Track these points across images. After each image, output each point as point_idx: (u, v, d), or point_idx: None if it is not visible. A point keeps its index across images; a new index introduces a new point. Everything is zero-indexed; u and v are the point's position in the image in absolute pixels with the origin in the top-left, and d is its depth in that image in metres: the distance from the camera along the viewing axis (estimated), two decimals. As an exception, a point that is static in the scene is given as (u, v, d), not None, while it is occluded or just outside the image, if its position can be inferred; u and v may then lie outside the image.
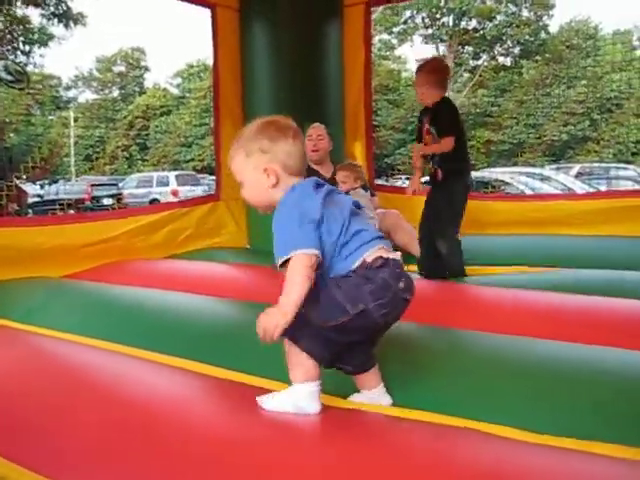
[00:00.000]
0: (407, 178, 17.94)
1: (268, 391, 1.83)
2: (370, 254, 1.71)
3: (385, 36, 35.05)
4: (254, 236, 5.34)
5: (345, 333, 1.71)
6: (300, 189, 1.80)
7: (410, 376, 1.97)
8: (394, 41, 35.75)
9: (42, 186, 24.11)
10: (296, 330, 1.65)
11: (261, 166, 1.85)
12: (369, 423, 1.73)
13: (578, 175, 16.31)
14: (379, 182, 7.25)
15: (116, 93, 44.54)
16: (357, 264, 1.71)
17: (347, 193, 4.37)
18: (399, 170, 21.27)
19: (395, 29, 34.73)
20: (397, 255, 1.77)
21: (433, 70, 3.94)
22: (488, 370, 1.98)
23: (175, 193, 21.53)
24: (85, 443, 1.62)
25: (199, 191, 20.89)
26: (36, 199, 18.85)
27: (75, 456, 1.59)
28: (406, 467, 1.38)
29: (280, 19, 5.11)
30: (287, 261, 1.64)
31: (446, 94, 3.97)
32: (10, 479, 1.53)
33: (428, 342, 2.27)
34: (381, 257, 1.71)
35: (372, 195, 4.76)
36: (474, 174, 13.13)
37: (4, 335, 2.78)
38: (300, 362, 1.71)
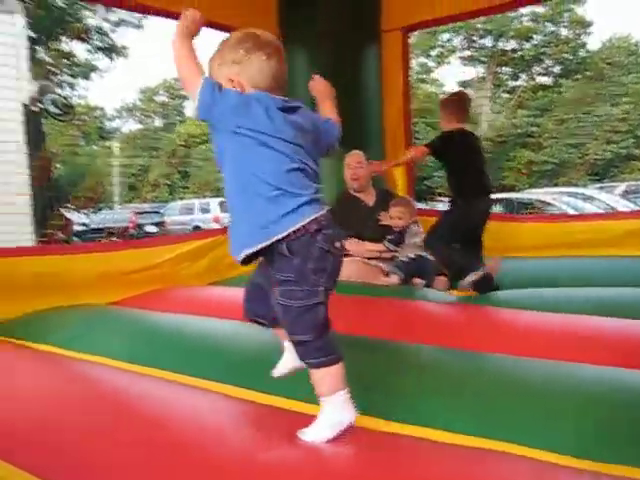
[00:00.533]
0: (449, 201, 17.88)
1: (307, 415, 1.82)
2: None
3: (423, 59, 35.14)
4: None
5: None
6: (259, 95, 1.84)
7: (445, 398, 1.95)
8: (431, 64, 35.81)
9: (87, 215, 24.61)
10: None
11: (230, 77, 1.85)
12: (403, 448, 1.70)
13: (624, 194, 16.02)
14: (419, 205, 7.21)
15: (158, 122, 45.42)
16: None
17: (403, 231, 4.38)
18: (439, 193, 21.16)
19: (432, 52, 34.79)
20: None
21: (443, 105, 4.20)
22: (517, 393, 1.96)
23: (217, 220, 21.73)
24: (127, 468, 1.63)
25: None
26: (82, 228, 19.23)
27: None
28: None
29: (319, 46, 5.18)
30: None
31: (463, 125, 4.09)
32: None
33: (450, 364, 2.25)
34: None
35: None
36: (515, 195, 13.02)
37: (49, 361, 2.82)
38: (320, 377, 1.72)
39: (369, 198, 4.80)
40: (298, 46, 5.31)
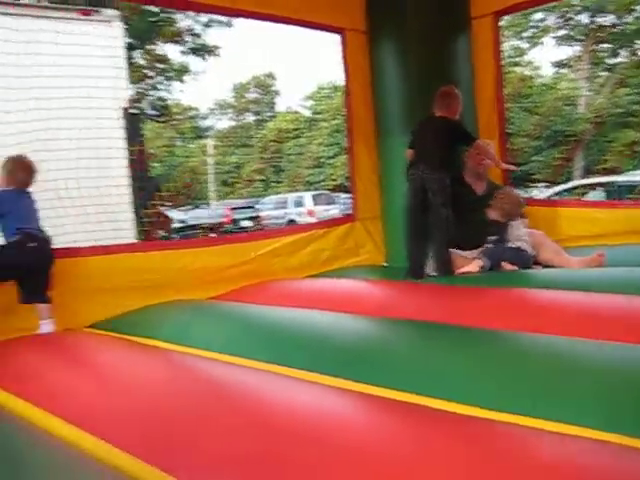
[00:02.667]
0: (545, 187, 17.33)
1: (409, 405, 1.81)
2: None
3: (515, 41, 34.07)
4: (391, 254, 5.34)
5: None
6: None
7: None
8: (525, 46, 34.68)
9: (185, 212, 25.34)
10: None
11: None
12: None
13: None
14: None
15: (250, 119, 46.24)
16: None
17: (503, 228, 4.29)
18: (536, 180, 20.52)
19: (525, 34, 33.68)
20: None
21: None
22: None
23: (311, 213, 21.92)
24: (233, 458, 1.67)
25: (335, 210, 21.14)
26: (180, 224, 19.82)
27: (226, 469, 1.64)
28: None
29: (408, 38, 5.14)
30: None
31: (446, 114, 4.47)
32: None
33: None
34: None
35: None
36: (617, 178, 12.45)
37: (156, 355, 2.92)
38: None
39: (479, 187, 4.74)
40: (387, 41, 5.29)
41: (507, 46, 32.21)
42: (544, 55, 51.96)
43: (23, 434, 2.03)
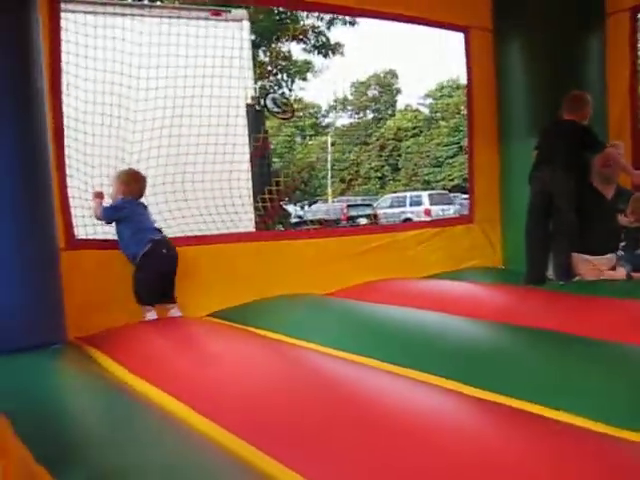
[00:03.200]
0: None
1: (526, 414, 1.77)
2: None
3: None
4: (509, 257, 5.21)
5: None
6: None
7: None
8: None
9: (302, 207, 25.73)
10: None
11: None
12: None
13: None
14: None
15: (370, 116, 46.32)
16: None
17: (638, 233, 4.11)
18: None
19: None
20: None
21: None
22: None
23: (428, 212, 21.73)
24: (349, 452, 1.69)
25: (452, 210, 20.86)
26: (297, 220, 20.14)
27: (325, 456, 1.68)
28: None
29: (536, 36, 4.99)
30: None
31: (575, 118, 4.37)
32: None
33: None
34: None
35: None
36: None
37: (272, 346, 2.99)
38: None
39: (608, 192, 4.56)
40: (513, 39, 5.16)
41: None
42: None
43: (146, 413, 2.13)
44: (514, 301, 3.59)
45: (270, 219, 6.34)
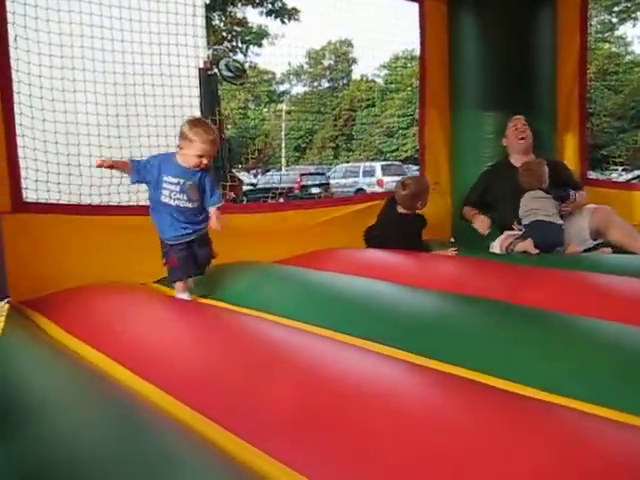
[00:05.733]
0: (623, 170, 16.79)
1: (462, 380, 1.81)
2: None
3: (605, 16, 32.62)
4: (458, 229, 5.27)
5: None
6: None
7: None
8: (614, 20, 33.15)
9: (255, 175, 25.60)
10: None
11: None
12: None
13: None
14: (593, 175, 6.77)
15: (325, 86, 46.07)
16: None
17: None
18: (616, 162, 19.77)
19: (616, 7, 32.20)
20: None
21: None
22: None
23: (381, 183, 21.84)
24: (286, 416, 1.73)
25: (404, 181, 20.98)
26: (249, 187, 20.05)
27: (277, 427, 1.70)
28: None
29: (489, 8, 5.01)
30: None
31: None
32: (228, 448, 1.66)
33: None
34: None
35: (578, 189, 4.49)
36: None
37: (217, 314, 2.98)
38: None
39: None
40: (467, 10, 5.18)
41: (595, 20, 30.96)
42: (636, 31, 49.55)
43: (88, 378, 2.12)
44: (461, 271, 3.63)
45: (224, 189, 6.26)
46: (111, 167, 3.10)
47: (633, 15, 32.18)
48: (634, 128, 28.76)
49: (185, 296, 3.27)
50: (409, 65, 38.26)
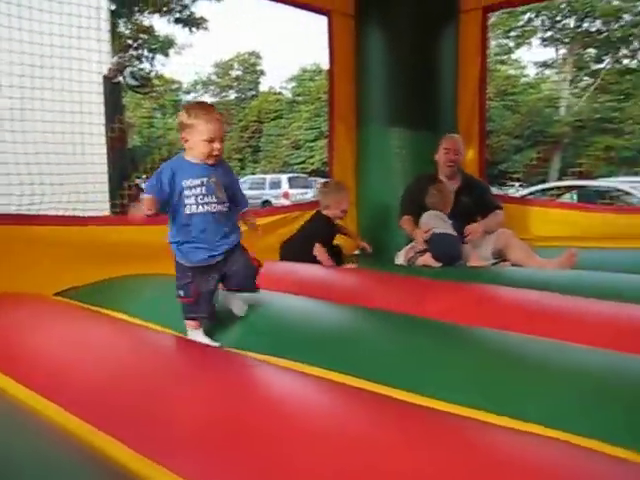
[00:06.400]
0: (520, 185, 17.57)
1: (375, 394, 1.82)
2: None
3: (502, 40, 34.14)
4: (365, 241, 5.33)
5: None
6: None
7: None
8: (511, 44, 34.75)
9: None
10: None
11: None
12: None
13: None
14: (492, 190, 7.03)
15: (233, 97, 45.85)
16: None
17: None
18: (513, 178, 20.68)
19: (512, 32, 33.76)
20: None
21: None
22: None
23: (287, 195, 21.92)
24: (185, 431, 1.71)
25: (310, 194, 21.15)
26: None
27: (178, 441, 1.67)
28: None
29: (395, 25, 5.13)
30: None
31: None
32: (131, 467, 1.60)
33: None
34: None
35: (497, 209, 4.75)
36: (591, 183, 12.58)
37: (119, 328, 2.90)
38: None
39: (454, 183, 4.79)
40: (373, 27, 5.27)
41: (494, 43, 32.35)
42: (530, 55, 52.14)
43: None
44: (365, 284, 3.67)
45: (128, 200, 6.10)
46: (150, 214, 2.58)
47: (527, 40, 33.80)
48: (529, 147, 30.13)
49: (201, 337, 2.70)
50: (316, 78, 38.71)
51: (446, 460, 1.45)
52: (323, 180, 4.74)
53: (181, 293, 2.69)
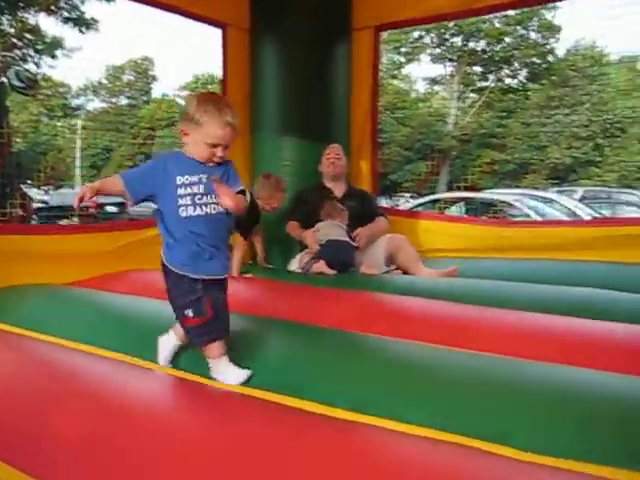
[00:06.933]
0: (411, 197, 18.10)
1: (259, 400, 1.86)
2: None
3: (393, 55, 35.18)
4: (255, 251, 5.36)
5: None
6: None
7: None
8: (402, 60, 35.86)
9: (47, 192, 24.11)
10: None
11: None
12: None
13: (582, 199, 16.32)
14: (383, 203, 7.25)
15: (124, 102, 44.73)
16: None
17: None
18: (404, 189, 21.31)
19: (403, 48, 34.87)
20: None
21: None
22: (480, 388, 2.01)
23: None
24: (69, 446, 1.68)
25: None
26: (41, 205, 18.84)
27: (60, 458, 1.65)
28: None
29: (289, 40, 5.20)
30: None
31: None
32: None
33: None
34: None
35: (382, 216, 4.97)
36: (478, 195, 13.14)
37: (4, 340, 2.80)
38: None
39: (339, 190, 4.99)
40: (268, 40, 5.32)
41: (386, 59, 33.28)
42: (420, 71, 53.97)
43: None
44: (255, 293, 3.70)
45: (13, 207, 5.83)
46: (97, 194, 2.18)
47: (417, 57, 34.99)
48: (419, 159, 31.17)
49: (233, 371, 2.23)
50: (209, 87, 38.40)
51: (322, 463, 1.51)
52: (266, 172, 4.71)
53: (189, 314, 2.20)
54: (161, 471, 1.56)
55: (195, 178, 2.20)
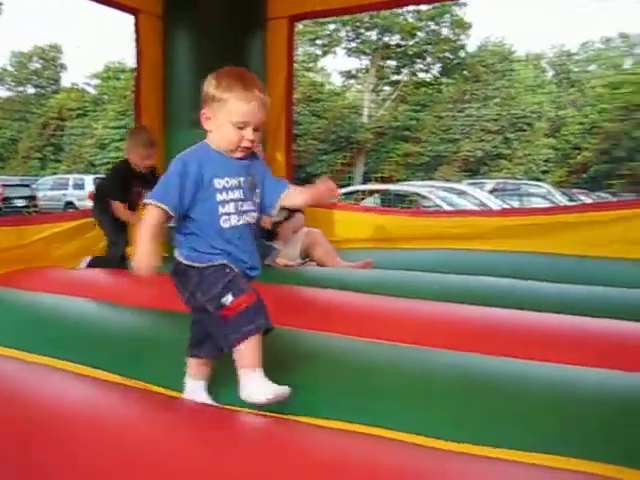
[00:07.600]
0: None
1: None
2: None
3: (309, 47, 35.23)
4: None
5: None
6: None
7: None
8: (318, 52, 35.96)
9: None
10: None
11: None
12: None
13: (493, 191, 16.84)
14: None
15: (31, 91, 43.00)
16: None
17: None
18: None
19: (319, 41, 34.96)
20: None
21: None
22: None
23: (92, 196, 21.01)
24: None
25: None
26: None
27: None
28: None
29: (201, 29, 5.11)
30: None
31: None
32: None
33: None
34: None
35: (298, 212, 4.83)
36: (392, 187, 13.39)
37: None
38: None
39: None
40: (181, 28, 5.23)
41: (301, 51, 33.30)
42: (336, 64, 54.37)
43: None
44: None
45: None
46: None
47: (333, 50, 35.17)
48: (335, 151, 31.40)
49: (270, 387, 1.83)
50: (121, 76, 37.48)
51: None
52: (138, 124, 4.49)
53: (229, 298, 1.82)
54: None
55: (235, 181, 1.91)
